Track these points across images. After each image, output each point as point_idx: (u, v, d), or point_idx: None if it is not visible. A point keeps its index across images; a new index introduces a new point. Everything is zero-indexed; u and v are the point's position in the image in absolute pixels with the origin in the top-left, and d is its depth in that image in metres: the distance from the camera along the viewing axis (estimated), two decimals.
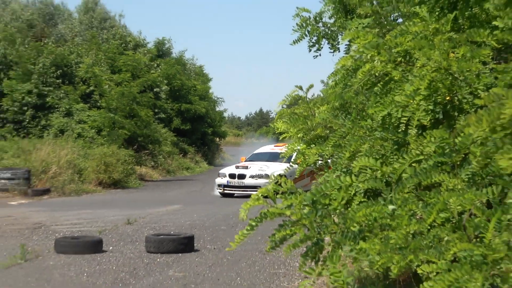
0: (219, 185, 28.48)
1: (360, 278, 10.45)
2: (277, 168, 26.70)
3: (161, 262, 14.10)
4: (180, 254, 14.82)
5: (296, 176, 9.47)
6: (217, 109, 55.68)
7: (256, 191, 20.20)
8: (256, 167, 27.89)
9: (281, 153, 27.55)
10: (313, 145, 8.72)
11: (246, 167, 28.02)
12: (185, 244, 15.23)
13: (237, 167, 28.38)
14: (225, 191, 27.97)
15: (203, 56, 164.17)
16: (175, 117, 45.41)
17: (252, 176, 27.35)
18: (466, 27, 7.13)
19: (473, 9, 7.09)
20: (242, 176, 27.51)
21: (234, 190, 27.85)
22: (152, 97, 41.46)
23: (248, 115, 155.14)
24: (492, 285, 5.03)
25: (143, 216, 21.48)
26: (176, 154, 43.00)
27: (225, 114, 59.33)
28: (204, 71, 56.15)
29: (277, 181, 5.70)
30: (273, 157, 27.99)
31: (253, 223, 5.74)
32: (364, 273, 9.22)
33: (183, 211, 23.44)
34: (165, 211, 23.15)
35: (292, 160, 26.93)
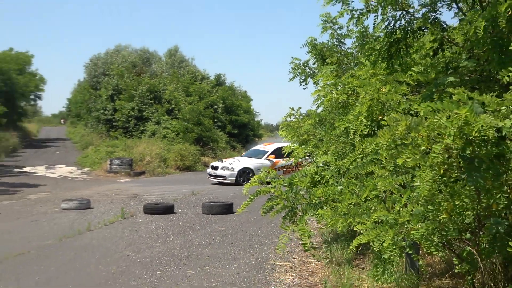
0: (208, 173, 25.70)
1: (334, 233, 10.57)
2: (247, 163, 24.71)
3: (211, 220, 14.26)
4: (223, 215, 14.96)
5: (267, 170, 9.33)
6: (256, 119, 55.72)
7: (222, 179, 19.82)
8: (228, 162, 25.41)
9: (263, 150, 26.17)
10: (302, 146, 8.86)
11: (222, 161, 25.70)
12: (227, 209, 15.35)
13: (219, 161, 26.25)
14: (209, 178, 25.19)
15: (248, 83, 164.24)
16: (228, 125, 45.40)
17: (221, 168, 24.56)
18: (399, 69, 7.22)
19: (403, 59, 7.17)
20: (216, 168, 24.83)
21: (211, 178, 24.93)
22: (212, 112, 41.62)
23: (278, 122, 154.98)
24: (404, 240, 5.16)
25: (203, 190, 21.63)
26: (228, 149, 43.06)
27: (262, 122, 59.11)
28: (247, 94, 56.00)
29: (267, 171, 5.88)
30: (256, 153, 25.96)
31: (252, 197, 5.93)
32: (327, 230, 9.40)
33: (229, 186, 23.53)
34: (217, 186, 23.31)
35: (265, 157, 25.55)
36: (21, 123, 56.18)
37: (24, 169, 30.17)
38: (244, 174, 24.40)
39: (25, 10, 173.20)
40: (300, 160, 9.29)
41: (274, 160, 24.34)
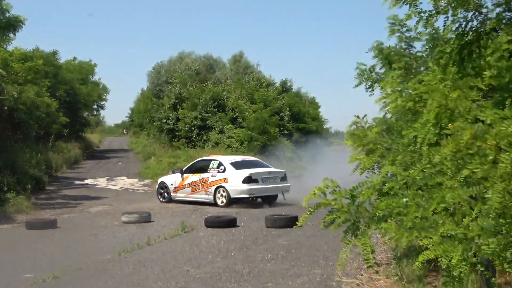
0: None
1: (404, 248, 10.41)
2: (166, 177, 23.54)
3: (274, 234, 14.32)
4: (288, 229, 14.96)
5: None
6: (325, 126, 55.52)
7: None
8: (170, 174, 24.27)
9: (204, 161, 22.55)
10: (369, 155, 8.81)
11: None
12: (292, 222, 15.32)
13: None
14: None
15: (316, 88, 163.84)
16: (294, 133, 45.41)
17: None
18: (472, 73, 7.08)
19: (476, 62, 7.03)
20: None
21: None
22: (278, 119, 41.74)
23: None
24: (476, 256, 5.06)
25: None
26: (295, 158, 43.01)
27: (331, 130, 58.62)
28: (315, 100, 55.87)
29: (327, 182, 5.87)
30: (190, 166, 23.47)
31: (311, 210, 5.96)
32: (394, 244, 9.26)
33: (293, 198, 23.46)
34: (281, 197, 23.34)
35: (184, 169, 23.47)
36: (83, 134, 57.98)
37: (86, 181, 31.19)
38: (162, 189, 23.07)
39: (88, 19, 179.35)
40: (368, 169, 9.17)
41: (184, 175, 22.40)
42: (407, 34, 8.99)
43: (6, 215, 18.41)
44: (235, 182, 20.65)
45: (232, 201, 20.62)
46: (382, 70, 9.25)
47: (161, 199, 22.86)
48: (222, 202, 20.76)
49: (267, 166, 22.48)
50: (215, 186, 21.02)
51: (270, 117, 40.42)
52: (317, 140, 45.32)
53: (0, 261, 11.54)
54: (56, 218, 17.14)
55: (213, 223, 15.44)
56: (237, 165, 21.48)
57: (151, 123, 49.09)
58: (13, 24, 20.35)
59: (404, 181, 6.20)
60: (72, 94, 46.94)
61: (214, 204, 20.89)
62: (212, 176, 21.29)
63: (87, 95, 53.38)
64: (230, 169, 21.17)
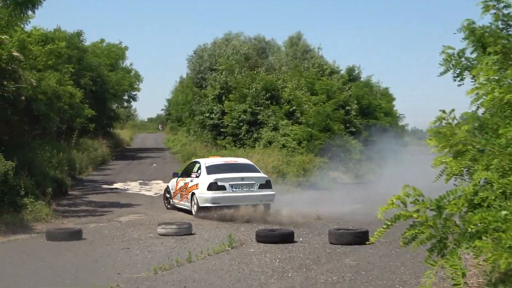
0: None
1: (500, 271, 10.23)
2: (171, 181, 24.37)
3: (340, 252, 14.28)
4: (356, 246, 14.89)
5: None
6: (400, 123, 55.00)
7: None
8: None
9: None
10: (458, 158, 8.68)
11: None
12: (360, 237, 15.26)
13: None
14: None
15: (390, 77, 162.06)
16: (363, 130, 45.13)
17: None
18: None
19: None
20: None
21: None
22: (343, 114, 41.54)
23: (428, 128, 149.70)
24: None
25: (330, 213, 21.59)
26: (364, 161, 42.72)
27: (408, 127, 58.19)
28: (388, 92, 55.42)
29: (408, 190, 5.80)
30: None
31: (389, 223, 5.92)
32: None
33: (363, 209, 23.31)
34: (349, 209, 23.20)
35: (180, 173, 23.39)
36: (112, 130, 58.85)
37: (115, 185, 31.69)
38: (168, 194, 24.30)
39: None
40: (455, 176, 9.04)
41: (178, 180, 23.11)
42: (505, 11, 8.82)
43: (23, 223, 18.88)
44: (202, 188, 21.10)
45: (203, 210, 20.95)
46: (474, 55, 9.09)
47: (166, 205, 24.13)
48: (195, 210, 21.36)
49: (254, 171, 22.33)
50: (191, 193, 21.71)
51: (334, 111, 40.31)
52: (390, 139, 44.97)
53: (17, 277, 11.85)
54: (81, 228, 17.48)
55: (266, 237, 15.49)
56: (213, 169, 21.80)
57: (192, 117, 49.60)
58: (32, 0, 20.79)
59: (502, 190, 6.10)
60: (99, 82, 47.71)
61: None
62: (191, 181, 22.02)
63: (117, 84, 54.20)
64: (203, 173, 21.63)
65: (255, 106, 40.80)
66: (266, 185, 21.58)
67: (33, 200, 20.70)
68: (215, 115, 42.61)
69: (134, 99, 64.48)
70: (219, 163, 22.86)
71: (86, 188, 30.68)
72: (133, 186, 31.56)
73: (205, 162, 22.75)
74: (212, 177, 21.08)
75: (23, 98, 24.59)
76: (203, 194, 20.98)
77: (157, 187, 31.19)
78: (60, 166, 29.96)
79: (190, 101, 51.12)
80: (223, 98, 42.70)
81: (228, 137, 41.09)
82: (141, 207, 24.20)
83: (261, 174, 22.24)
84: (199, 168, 22.08)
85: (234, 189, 20.99)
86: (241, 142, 40.17)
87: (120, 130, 70.65)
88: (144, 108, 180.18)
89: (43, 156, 28.13)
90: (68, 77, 37.13)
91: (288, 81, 43.52)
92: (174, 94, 78.20)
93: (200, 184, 21.21)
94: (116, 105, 62.41)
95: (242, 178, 21.22)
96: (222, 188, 20.85)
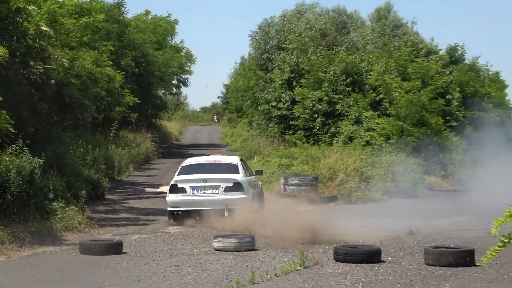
0: None
1: None
2: None
3: (439, 275, 14.03)
4: (459, 268, 14.62)
5: None
6: None
7: None
8: None
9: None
10: None
11: None
12: (464, 258, 14.97)
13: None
14: None
15: (501, 61, 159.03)
16: (467, 125, 44.62)
17: None
18: None
19: None
20: None
21: None
22: (443, 104, 41.03)
23: None
24: None
25: (426, 227, 21.32)
26: (467, 162, 42.13)
27: None
28: (500, 78, 54.62)
29: None
30: None
31: (506, 240, 5.76)
32: None
33: (468, 223, 22.95)
34: (449, 222, 22.86)
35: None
36: (158, 121, 59.33)
37: (161, 188, 31.94)
38: None
39: None
40: None
41: None
42: None
43: (51, 233, 19.19)
44: (169, 191, 22.44)
45: (172, 216, 22.17)
46: None
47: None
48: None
49: (229, 172, 23.06)
50: None
51: (431, 101, 39.87)
52: (501, 136, 44.34)
53: None
54: (121, 240, 17.63)
55: (347, 255, 15.34)
56: (186, 169, 23.29)
57: (255, 107, 49.73)
58: None
59: None
60: (143, 63, 48.17)
61: None
62: None
63: (164, 65, 54.58)
64: (176, 174, 23.08)
65: (333, 94, 40.66)
66: (237, 187, 22.21)
67: (63, 205, 21.03)
68: (283, 104, 42.63)
69: (185, 84, 65.05)
70: (197, 162, 24.46)
71: (127, 191, 31.05)
72: None
73: (186, 161, 24.74)
74: (175, 179, 22.46)
75: (52, 82, 24.94)
76: (167, 198, 22.43)
77: None
78: (95, 164, 30.37)
79: (253, 87, 51.21)
80: (294, 83, 42.67)
81: (299, 132, 41.05)
82: None
83: (230, 175, 22.83)
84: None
85: (194, 192, 22.00)
86: (316, 137, 40.02)
87: (168, 121, 71.28)
88: (197, 95, 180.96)
89: (75, 152, 28.53)
90: (107, 57, 37.52)
91: (374, 63, 43.22)
92: (234, 78, 78.55)
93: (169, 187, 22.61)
94: (163, 91, 62.94)
95: (205, 180, 22.17)
96: (182, 190, 21.95)
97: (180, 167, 23.83)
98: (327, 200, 29.04)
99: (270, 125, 44.31)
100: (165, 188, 31.83)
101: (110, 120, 39.93)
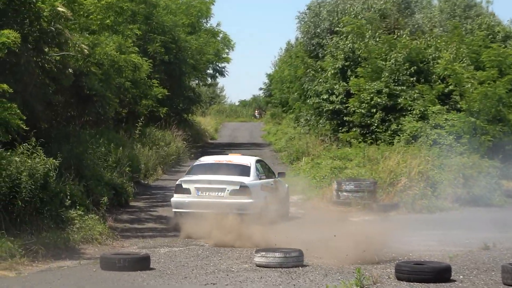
0: None
1: None
2: None
3: None
4: None
5: None
6: None
7: None
8: None
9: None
10: None
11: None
12: None
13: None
14: None
15: None
16: None
17: None
18: None
19: None
20: None
21: None
22: None
23: None
24: None
25: (504, 240, 21.13)
26: None
27: None
28: None
29: None
30: None
31: None
32: None
33: None
34: None
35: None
36: (190, 117, 59.44)
37: None
38: None
39: None
40: None
41: None
42: None
43: (68, 245, 19.28)
44: (175, 192, 23.75)
45: (176, 217, 23.48)
46: None
47: None
48: None
49: (239, 174, 24.16)
50: None
51: (510, 94, 39.47)
52: None
53: None
54: (149, 253, 17.68)
55: (411, 273, 15.26)
56: (197, 169, 24.98)
57: (303, 100, 49.64)
58: None
59: None
60: (173, 49, 48.30)
61: None
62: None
63: (198, 52, 54.69)
64: (186, 174, 24.86)
65: (395, 85, 40.45)
66: (241, 191, 23.26)
67: (82, 213, 21.18)
68: (336, 97, 42.59)
69: (222, 74, 65.09)
70: (209, 162, 25.88)
71: (155, 197, 31.16)
72: None
73: (199, 160, 26.82)
74: (180, 179, 24.13)
75: (70, 71, 25.09)
76: (172, 198, 23.82)
77: None
78: (119, 166, 30.39)
79: (301, 77, 51.07)
80: (349, 73, 42.57)
81: (354, 129, 40.94)
82: None
83: (238, 178, 23.85)
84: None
85: (199, 194, 23.29)
86: (373, 136, 39.77)
87: (202, 117, 71.52)
88: (235, 87, 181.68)
89: (96, 152, 28.56)
90: (132, 43, 37.62)
91: (442, 50, 42.96)
92: (278, 67, 78.63)
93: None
94: (197, 81, 63.09)
95: (210, 181, 23.34)
96: (187, 191, 23.35)
97: (191, 166, 25.72)
98: (387, 208, 28.84)
99: (321, 121, 44.27)
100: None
101: (135, 115, 40.17)
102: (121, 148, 31.91)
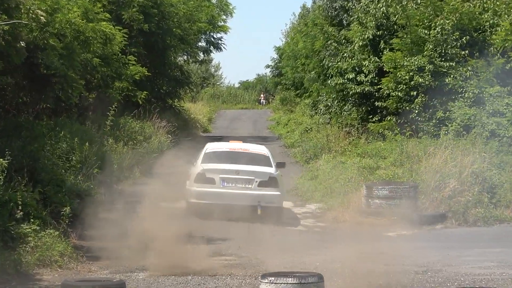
0: None
1: None
2: None
3: None
4: None
5: None
6: None
7: None
8: None
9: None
10: None
11: None
12: None
13: None
14: None
15: None
16: None
17: None
18: None
19: None
20: None
21: None
22: None
23: None
24: None
25: None
26: None
27: None
28: None
29: None
30: None
31: None
32: None
33: None
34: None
35: None
36: (176, 103, 59.37)
37: (181, 203, 31.99)
38: None
39: None
40: None
41: None
42: None
43: (20, 269, 19.19)
44: (191, 180, 25.93)
45: (194, 208, 25.74)
46: None
47: None
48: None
49: (262, 164, 26.81)
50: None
51: None
52: None
53: None
54: (124, 280, 17.63)
55: None
56: (211, 157, 27.24)
57: (322, 80, 49.62)
58: None
59: None
60: (155, 16, 48.23)
61: None
62: (189, 170, 26.98)
63: (187, 19, 54.59)
64: (199, 161, 26.80)
65: (441, 61, 40.35)
66: (270, 183, 25.58)
67: (38, 227, 21.08)
68: (365, 76, 42.52)
69: (218, 48, 65.10)
70: (223, 149, 28.81)
71: (131, 207, 31.20)
72: None
73: (208, 147, 29.00)
74: (202, 167, 25.83)
75: (22, 44, 25.05)
76: (190, 187, 25.81)
77: None
78: (85, 167, 30.39)
79: (320, 51, 51.08)
80: (381, 45, 42.51)
81: (389, 118, 40.83)
82: (231, 242, 24.31)
83: (265, 169, 26.35)
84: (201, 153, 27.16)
85: (225, 184, 25.49)
86: (414, 126, 39.70)
87: (192, 103, 71.52)
88: (235, 64, 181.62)
89: (55, 149, 28.51)
90: (102, 7, 37.62)
91: (503, 15, 42.88)
92: (290, 38, 78.60)
93: (191, 175, 25.98)
94: (186, 57, 62.98)
95: (237, 171, 25.60)
96: (211, 181, 25.41)
97: (202, 153, 27.35)
98: (431, 220, 28.83)
99: (346, 108, 44.30)
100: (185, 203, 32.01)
101: (106, 101, 40.08)
102: (87, 143, 31.85)
